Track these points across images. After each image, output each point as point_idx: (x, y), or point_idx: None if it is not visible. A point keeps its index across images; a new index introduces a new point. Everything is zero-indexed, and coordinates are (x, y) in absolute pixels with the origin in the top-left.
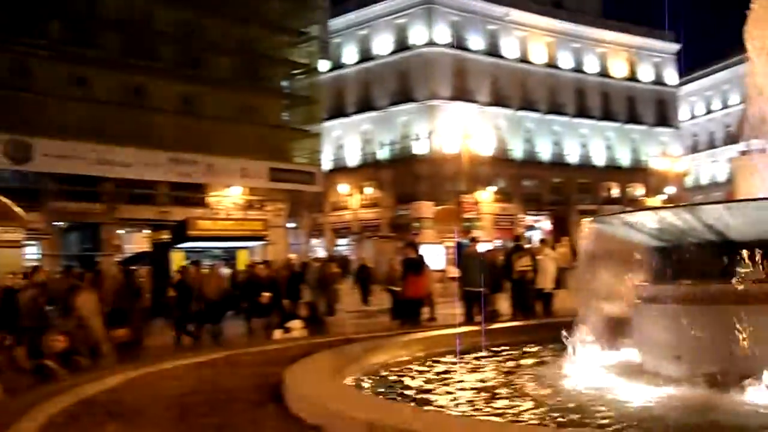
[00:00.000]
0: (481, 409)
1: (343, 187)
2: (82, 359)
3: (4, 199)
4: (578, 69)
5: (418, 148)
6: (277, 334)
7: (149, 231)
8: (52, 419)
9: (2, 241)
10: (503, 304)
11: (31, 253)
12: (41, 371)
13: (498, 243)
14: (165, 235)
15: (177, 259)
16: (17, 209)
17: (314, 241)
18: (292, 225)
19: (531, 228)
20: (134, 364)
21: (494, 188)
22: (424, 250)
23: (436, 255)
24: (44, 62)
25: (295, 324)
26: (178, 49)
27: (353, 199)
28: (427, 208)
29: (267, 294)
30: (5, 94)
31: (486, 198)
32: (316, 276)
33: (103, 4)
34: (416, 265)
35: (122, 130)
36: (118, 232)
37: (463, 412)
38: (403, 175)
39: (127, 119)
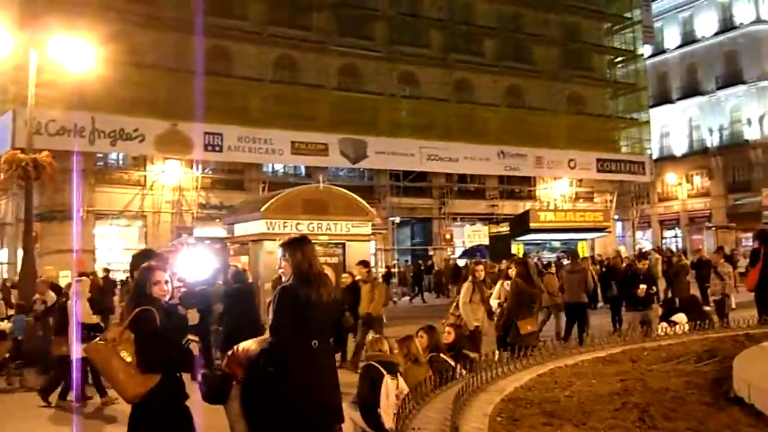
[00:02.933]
0: None
1: (670, 177)
2: (470, 353)
3: (355, 196)
4: None
5: (750, 134)
6: (661, 328)
7: (479, 224)
8: (492, 418)
9: (355, 235)
10: None
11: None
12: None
13: None
14: (503, 228)
15: (516, 251)
16: (366, 205)
17: (639, 234)
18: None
19: None
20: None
21: None
22: None
23: None
24: (373, 63)
25: (680, 317)
26: (500, 42)
27: (680, 189)
28: None
29: (643, 286)
30: (339, 95)
31: None
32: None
33: (426, 4)
34: None
35: (449, 125)
36: (449, 227)
37: None
38: (735, 163)
39: (453, 114)
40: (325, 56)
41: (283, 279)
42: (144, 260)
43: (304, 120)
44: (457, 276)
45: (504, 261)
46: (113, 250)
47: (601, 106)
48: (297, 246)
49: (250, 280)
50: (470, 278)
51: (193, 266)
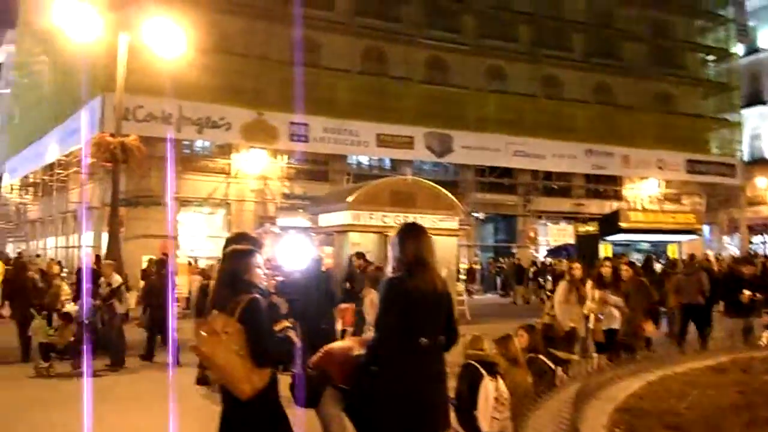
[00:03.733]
0: None
1: (760, 181)
2: (565, 355)
3: (443, 190)
4: None
5: None
6: (765, 337)
7: (564, 223)
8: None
9: (441, 230)
10: None
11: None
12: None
13: None
14: (592, 227)
15: (605, 251)
16: (454, 199)
17: (725, 238)
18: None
19: None
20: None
21: None
22: None
23: None
24: (461, 56)
25: None
26: (590, 38)
27: None
28: None
29: (748, 293)
30: (425, 89)
31: None
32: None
33: None
34: None
35: (536, 121)
36: (533, 225)
37: None
38: None
39: (540, 110)
40: (413, 48)
41: (389, 270)
42: (240, 244)
43: (390, 112)
44: (521, 276)
45: (606, 262)
46: (196, 237)
47: (692, 106)
48: (411, 234)
49: (324, 269)
50: (567, 278)
51: (287, 254)
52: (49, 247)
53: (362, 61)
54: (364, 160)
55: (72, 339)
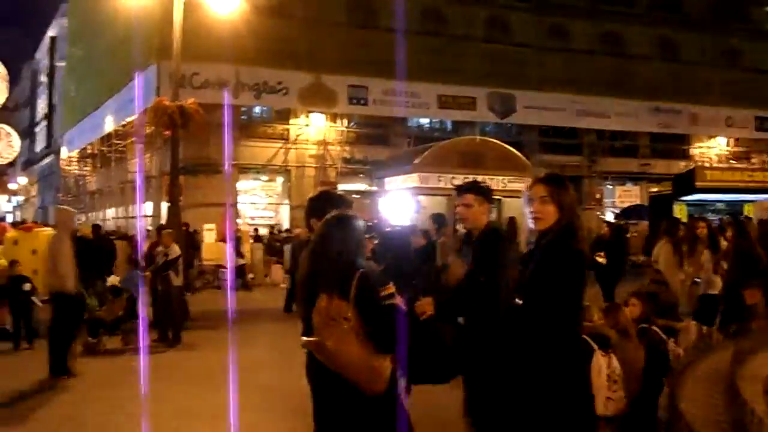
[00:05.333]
0: None
1: None
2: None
3: (512, 149)
4: None
5: None
6: None
7: (630, 184)
8: None
9: (511, 191)
10: None
11: None
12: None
13: None
14: (665, 187)
15: (679, 212)
16: (524, 158)
17: None
18: None
19: None
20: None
21: None
22: None
23: None
24: (521, 14)
25: None
26: None
27: None
28: None
29: None
30: (487, 48)
31: None
32: None
33: None
34: None
35: (599, 79)
36: (599, 186)
37: None
38: None
39: (604, 68)
40: (472, 7)
41: (529, 228)
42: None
43: (451, 73)
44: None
45: (700, 223)
46: (256, 204)
47: (759, 61)
48: (565, 185)
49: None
50: (665, 238)
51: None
52: (109, 217)
53: (420, 20)
54: (426, 122)
55: (121, 313)
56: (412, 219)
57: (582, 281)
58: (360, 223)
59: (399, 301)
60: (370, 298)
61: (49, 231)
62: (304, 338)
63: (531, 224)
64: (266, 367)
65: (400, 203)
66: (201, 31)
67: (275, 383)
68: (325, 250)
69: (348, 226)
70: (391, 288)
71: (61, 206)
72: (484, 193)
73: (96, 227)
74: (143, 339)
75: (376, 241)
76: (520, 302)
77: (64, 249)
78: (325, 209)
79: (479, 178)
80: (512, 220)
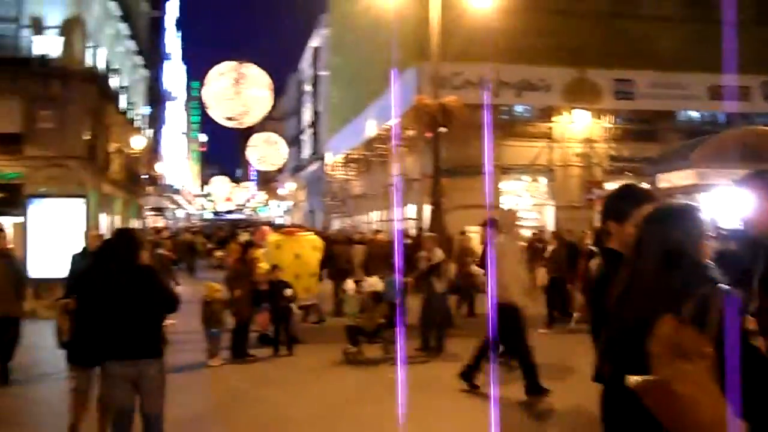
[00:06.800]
0: None
1: None
2: None
3: None
4: None
5: None
6: None
7: None
8: None
9: None
10: None
11: None
12: None
13: None
14: None
15: None
16: None
17: None
18: None
19: None
20: None
21: None
22: None
23: None
24: None
25: None
26: None
27: None
28: None
29: None
30: (760, 33)
31: None
32: None
33: None
34: None
35: None
36: None
37: None
38: None
39: None
40: None
41: None
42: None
43: (721, 62)
44: None
45: None
46: (519, 206)
47: None
48: None
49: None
50: None
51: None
52: (373, 221)
53: (684, 7)
54: (695, 116)
55: (382, 321)
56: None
57: None
58: (701, 224)
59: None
60: (731, 329)
61: (311, 235)
62: (635, 377)
63: None
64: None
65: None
66: (459, 31)
67: (556, 403)
68: (653, 254)
69: (684, 224)
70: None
71: (505, 208)
72: None
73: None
74: (402, 348)
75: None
76: None
77: (510, 255)
78: (625, 209)
79: None
80: None
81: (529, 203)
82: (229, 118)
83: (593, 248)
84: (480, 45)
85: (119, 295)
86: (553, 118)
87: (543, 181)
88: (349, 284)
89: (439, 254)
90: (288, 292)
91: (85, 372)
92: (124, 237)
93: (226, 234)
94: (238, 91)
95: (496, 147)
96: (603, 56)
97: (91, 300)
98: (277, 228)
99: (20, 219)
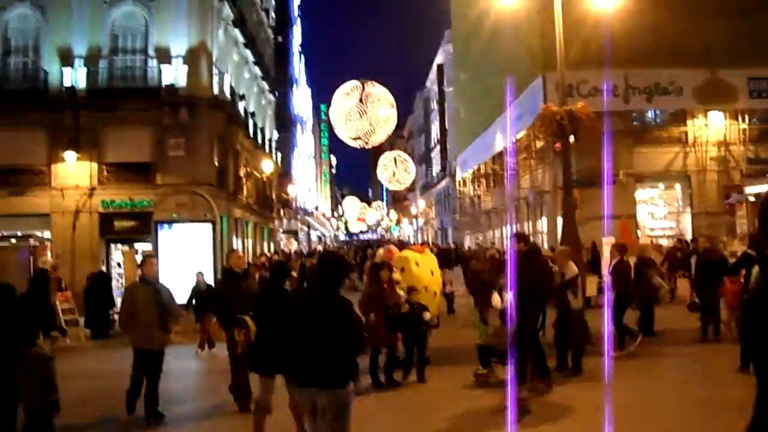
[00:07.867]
0: None
1: None
2: None
3: None
4: None
5: None
6: None
7: None
8: None
9: None
10: None
11: None
12: None
13: None
14: None
15: None
16: None
17: None
18: None
19: None
20: None
21: None
22: None
23: None
24: None
25: None
26: None
27: None
28: None
29: None
30: None
31: None
32: None
33: None
34: None
35: None
36: None
37: None
38: None
39: None
40: None
41: None
42: None
43: None
44: None
45: None
46: (654, 214)
47: None
48: None
49: None
50: None
51: None
52: (504, 236)
53: None
54: None
55: None
56: None
57: None
58: None
59: None
60: None
61: (428, 253)
62: None
63: None
64: (682, 409)
65: None
66: (584, 38)
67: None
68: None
69: None
70: None
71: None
72: None
73: None
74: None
75: None
76: None
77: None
78: None
79: None
80: None
81: (665, 211)
82: (356, 138)
83: (750, 251)
84: (604, 50)
85: (313, 321)
86: (686, 122)
87: (678, 187)
88: (495, 298)
89: (573, 268)
90: (427, 315)
91: (266, 380)
92: (331, 261)
93: (359, 254)
94: (364, 110)
95: (628, 155)
96: (733, 55)
97: (275, 319)
98: (402, 246)
99: (149, 246)
